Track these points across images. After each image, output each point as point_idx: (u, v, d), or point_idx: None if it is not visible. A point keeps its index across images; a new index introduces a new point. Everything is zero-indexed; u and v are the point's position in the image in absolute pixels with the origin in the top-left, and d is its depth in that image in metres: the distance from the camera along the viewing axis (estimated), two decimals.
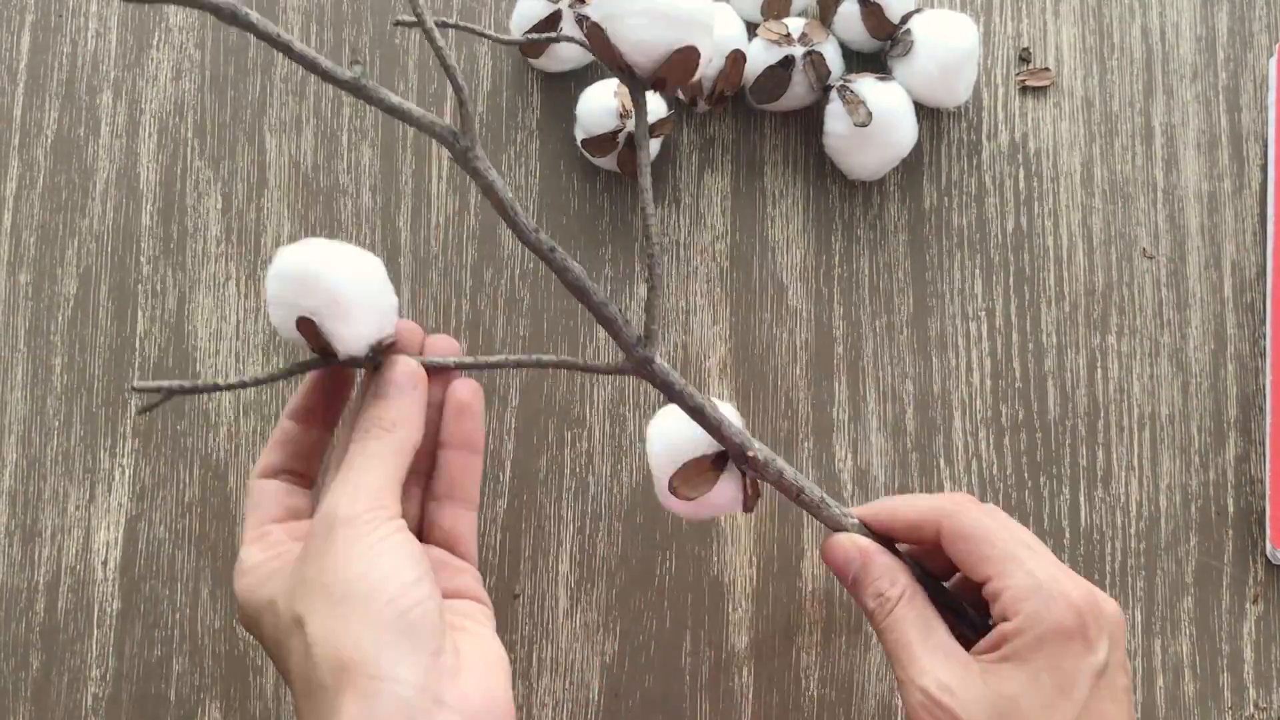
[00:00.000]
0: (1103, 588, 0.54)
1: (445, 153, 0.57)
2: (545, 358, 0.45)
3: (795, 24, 0.56)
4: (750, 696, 0.54)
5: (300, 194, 0.57)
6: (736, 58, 0.54)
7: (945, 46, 0.54)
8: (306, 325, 0.42)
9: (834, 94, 0.55)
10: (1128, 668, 0.42)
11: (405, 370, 0.44)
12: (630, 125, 0.52)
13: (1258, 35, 0.59)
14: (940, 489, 0.55)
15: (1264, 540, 0.54)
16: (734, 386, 0.56)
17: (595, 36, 0.42)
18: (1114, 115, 0.58)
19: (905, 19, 0.56)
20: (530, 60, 0.57)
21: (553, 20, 0.54)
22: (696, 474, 0.46)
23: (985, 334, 0.56)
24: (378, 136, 0.58)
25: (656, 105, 0.54)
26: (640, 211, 0.43)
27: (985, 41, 0.58)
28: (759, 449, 0.45)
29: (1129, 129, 0.58)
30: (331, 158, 0.57)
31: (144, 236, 0.57)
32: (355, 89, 0.40)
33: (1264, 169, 0.57)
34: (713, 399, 0.46)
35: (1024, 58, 0.58)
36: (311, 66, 0.39)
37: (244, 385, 0.43)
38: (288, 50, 0.39)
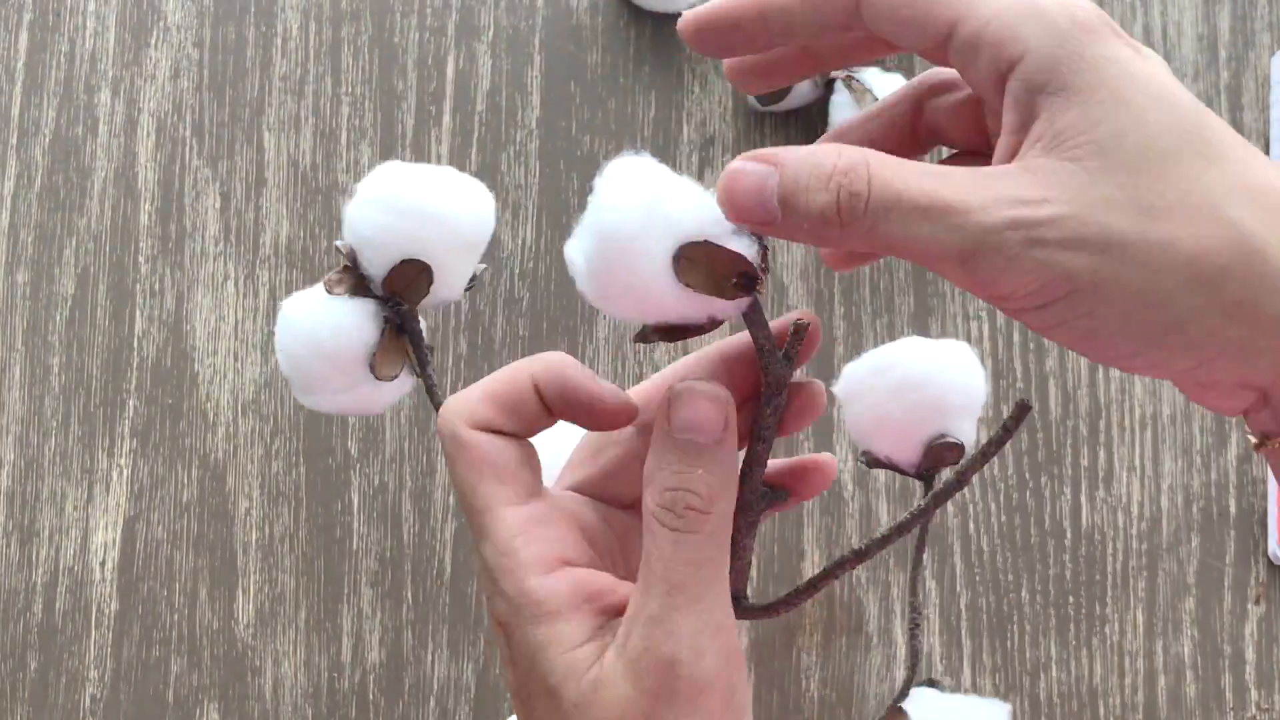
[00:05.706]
0: (1104, 589, 0.54)
1: (444, 151, 0.57)
2: None
3: None
4: (750, 698, 0.53)
5: (299, 193, 0.57)
6: None
7: None
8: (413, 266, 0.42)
9: (839, 85, 0.55)
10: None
11: (715, 398, 0.29)
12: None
13: (1259, 34, 0.58)
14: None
15: (1266, 541, 0.54)
16: None
17: None
18: None
19: None
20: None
21: None
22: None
23: (986, 334, 0.56)
24: (376, 135, 0.57)
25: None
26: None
27: None
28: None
29: None
30: (330, 156, 0.57)
31: (142, 236, 0.57)
32: None
33: None
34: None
35: None
36: None
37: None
38: None
